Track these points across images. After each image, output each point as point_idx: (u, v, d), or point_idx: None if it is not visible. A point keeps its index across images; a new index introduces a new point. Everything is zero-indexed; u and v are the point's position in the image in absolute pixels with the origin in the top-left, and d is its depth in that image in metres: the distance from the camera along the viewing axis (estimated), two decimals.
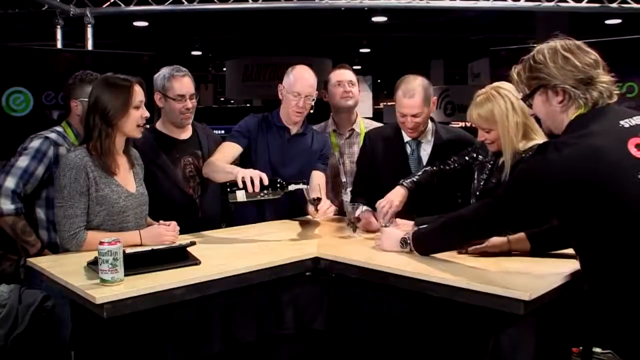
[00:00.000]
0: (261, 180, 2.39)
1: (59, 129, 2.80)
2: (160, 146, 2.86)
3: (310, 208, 2.66)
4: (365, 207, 2.64)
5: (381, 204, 2.56)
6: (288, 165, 2.91)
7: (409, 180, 2.63)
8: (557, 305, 1.92)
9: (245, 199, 2.43)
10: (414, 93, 2.70)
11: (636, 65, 4.36)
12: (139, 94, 2.35)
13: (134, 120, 2.34)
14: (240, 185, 2.40)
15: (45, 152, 2.67)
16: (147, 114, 2.40)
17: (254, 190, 2.39)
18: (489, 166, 2.51)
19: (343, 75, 3.33)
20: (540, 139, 2.27)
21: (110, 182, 2.33)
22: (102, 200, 2.30)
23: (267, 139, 2.95)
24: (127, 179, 2.42)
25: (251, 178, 2.39)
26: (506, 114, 2.32)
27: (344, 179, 3.28)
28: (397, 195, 2.58)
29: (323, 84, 3.34)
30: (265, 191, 2.42)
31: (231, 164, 2.80)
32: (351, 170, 3.24)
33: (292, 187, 2.50)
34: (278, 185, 2.46)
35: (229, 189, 2.45)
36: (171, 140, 2.92)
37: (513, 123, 2.32)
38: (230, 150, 2.87)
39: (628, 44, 4.49)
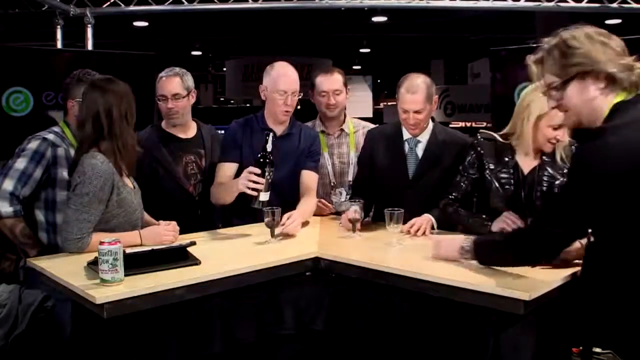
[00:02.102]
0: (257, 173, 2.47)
1: (56, 129, 2.78)
2: (163, 143, 2.94)
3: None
4: (355, 207, 2.57)
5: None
6: (278, 168, 2.75)
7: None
8: (557, 305, 1.92)
9: (267, 194, 2.51)
10: (416, 89, 2.71)
11: None
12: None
13: None
14: (253, 193, 2.48)
15: (43, 154, 2.65)
16: None
17: (262, 184, 2.47)
18: (511, 172, 2.49)
19: (328, 85, 3.19)
20: None
21: (124, 183, 2.36)
22: (122, 202, 2.33)
23: (252, 145, 2.84)
24: (125, 176, 2.43)
25: (250, 182, 2.46)
26: None
27: (333, 180, 3.23)
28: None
29: (310, 85, 3.28)
30: (266, 174, 2.50)
31: None
32: (340, 171, 3.23)
33: (270, 144, 2.53)
34: (267, 160, 2.51)
35: (251, 205, 2.52)
36: (174, 139, 2.99)
37: None
38: (227, 171, 2.82)
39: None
